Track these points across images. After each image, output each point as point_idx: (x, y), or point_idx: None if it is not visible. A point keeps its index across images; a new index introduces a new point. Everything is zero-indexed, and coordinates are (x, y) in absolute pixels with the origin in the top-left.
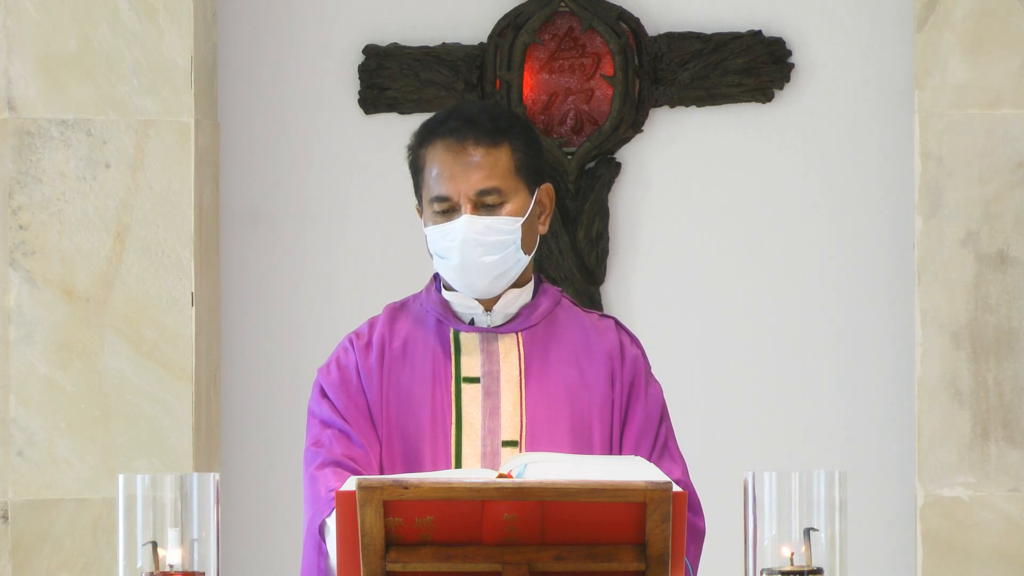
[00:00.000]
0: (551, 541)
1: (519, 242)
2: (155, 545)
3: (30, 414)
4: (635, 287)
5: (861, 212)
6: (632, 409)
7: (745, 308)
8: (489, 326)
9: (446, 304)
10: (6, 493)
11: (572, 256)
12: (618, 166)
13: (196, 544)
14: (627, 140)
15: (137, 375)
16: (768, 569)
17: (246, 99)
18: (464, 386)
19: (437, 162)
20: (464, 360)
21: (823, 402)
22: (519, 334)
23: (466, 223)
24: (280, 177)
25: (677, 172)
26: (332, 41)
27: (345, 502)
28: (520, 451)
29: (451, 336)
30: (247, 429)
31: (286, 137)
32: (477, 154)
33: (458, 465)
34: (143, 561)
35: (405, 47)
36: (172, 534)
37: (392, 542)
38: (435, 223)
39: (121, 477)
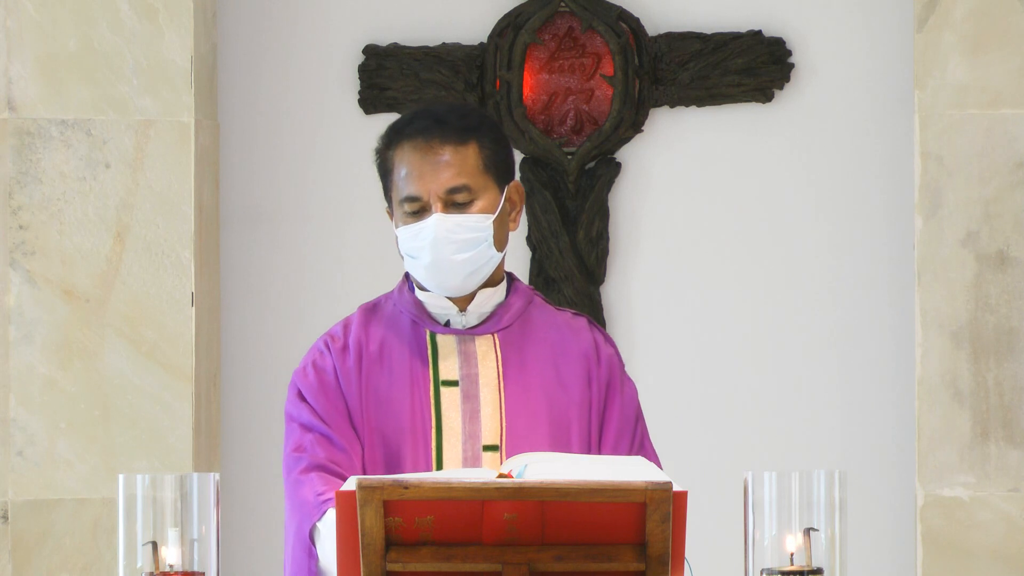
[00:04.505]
0: (551, 541)
1: (491, 239)
2: (155, 545)
3: (30, 414)
4: (635, 287)
5: (861, 212)
6: (609, 409)
7: (745, 308)
8: (464, 327)
9: (420, 305)
10: (6, 493)
11: (572, 256)
12: (618, 166)
13: (196, 544)
14: (627, 140)
15: (137, 375)
16: (768, 569)
17: (246, 99)
18: (443, 390)
19: (405, 163)
20: (442, 363)
21: (823, 402)
22: (495, 335)
23: (437, 221)
24: (280, 177)
25: (677, 172)
26: (332, 41)
27: (345, 502)
28: (501, 455)
29: (427, 338)
30: (247, 429)
31: (286, 137)
32: (445, 153)
33: (439, 470)
34: (143, 561)
35: (405, 47)
36: (172, 534)
37: (392, 542)
38: (406, 223)
39: (121, 477)
